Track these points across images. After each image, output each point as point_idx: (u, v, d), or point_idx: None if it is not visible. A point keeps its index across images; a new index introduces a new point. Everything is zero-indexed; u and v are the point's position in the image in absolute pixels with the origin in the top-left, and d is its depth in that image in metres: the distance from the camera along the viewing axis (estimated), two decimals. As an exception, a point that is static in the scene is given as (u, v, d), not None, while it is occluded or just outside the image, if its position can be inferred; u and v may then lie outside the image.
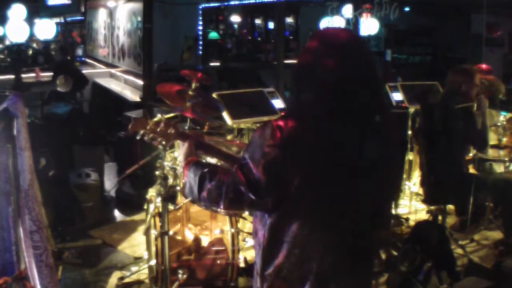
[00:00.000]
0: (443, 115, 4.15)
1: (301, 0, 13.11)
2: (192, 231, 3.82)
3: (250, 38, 16.49)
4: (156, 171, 3.41)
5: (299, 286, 1.72)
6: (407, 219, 4.80)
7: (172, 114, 4.38)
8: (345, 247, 1.73)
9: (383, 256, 3.84)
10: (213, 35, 14.03)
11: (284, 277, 1.73)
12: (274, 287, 1.75)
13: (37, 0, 12.60)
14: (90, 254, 4.20)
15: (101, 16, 12.87)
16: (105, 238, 4.63)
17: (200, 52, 11.69)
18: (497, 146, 4.57)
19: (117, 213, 5.39)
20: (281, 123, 1.66)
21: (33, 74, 9.30)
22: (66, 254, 4.12)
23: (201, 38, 11.74)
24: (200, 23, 11.73)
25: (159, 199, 3.47)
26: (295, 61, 1.80)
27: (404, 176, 5.36)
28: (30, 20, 8.45)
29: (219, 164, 2.66)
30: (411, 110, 5.37)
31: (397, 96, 5.44)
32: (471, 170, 4.47)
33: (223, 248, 3.61)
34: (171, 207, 3.34)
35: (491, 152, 4.44)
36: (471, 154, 4.42)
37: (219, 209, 2.39)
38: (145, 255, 3.97)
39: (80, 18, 15.16)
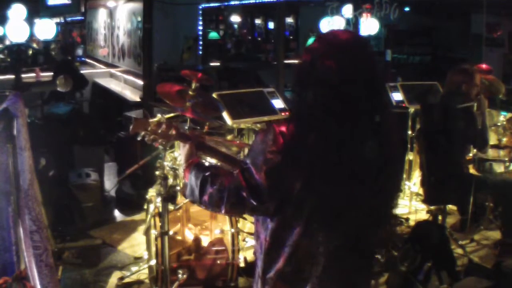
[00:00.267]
0: (443, 115, 4.15)
1: (301, 0, 13.10)
2: (192, 231, 3.82)
3: (250, 38, 16.50)
4: (156, 171, 3.41)
5: None
6: (407, 219, 4.80)
7: (172, 114, 4.37)
8: (346, 249, 1.73)
9: (383, 256, 3.84)
10: (213, 35, 14.04)
11: (286, 280, 1.73)
12: None
13: (37, 0, 12.60)
14: (90, 254, 4.21)
15: (101, 16, 12.87)
16: (105, 238, 4.63)
17: (200, 52, 11.68)
18: (497, 146, 4.57)
19: (117, 213, 5.39)
20: (283, 128, 1.66)
21: (33, 74, 9.31)
22: (66, 254, 4.12)
23: (201, 38, 11.74)
24: (200, 23, 11.72)
25: (159, 199, 3.47)
26: (295, 61, 1.80)
27: (404, 176, 5.37)
28: (30, 20, 8.44)
29: (219, 165, 2.66)
30: (411, 110, 5.37)
31: (397, 96, 5.43)
32: (471, 170, 4.47)
33: (223, 248, 3.61)
34: (171, 207, 3.34)
35: (491, 152, 4.44)
36: (471, 154, 4.42)
37: (219, 212, 2.39)
38: (145, 255, 3.97)
39: (80, 18, 15.18)
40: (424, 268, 3.54)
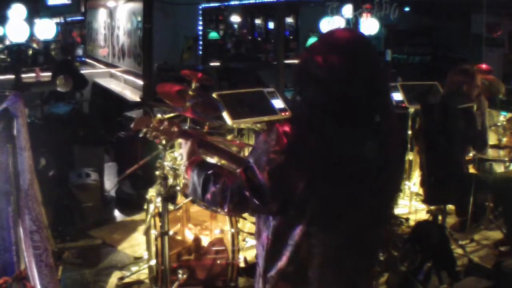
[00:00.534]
0: (443, 115, 4.15)
1: (301, 0, 13.09)
2: (192, 231, 3.82)
3: (250, 38, 16.49)
4: (156, 171, 3.41)
5: None
6: (407, 219, 4.80)
7: (172, 114, 4.37)
8: (347, 249, 1.73)
9: (383, 256, 3.84)
10: (213, 35, 14.02)
11: (288, 279, 1.73)
12: None
13: (37, 0, 12.60)
14: (90, 254, 4.21)
15: (101, 16, 12.87)
16: (105, 238, 4.63)
17: (200, 52, 11.67)
18: (497, 146, 4.57)
19: (117, 213, 5.39)
20: (286, 128, 1.65)
21: (33, 74, 9.30)
22: (66, 254, 4.12)
23: (201, 38, 11.73)
24: (200, 23, 11.70)
25: (159, 199, 3.47)
26: (295, 61, 1.80)
27: (404, 176, 5.37)
28: (30, 20, 8.45)
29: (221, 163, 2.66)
30: (411, 110, 5.37)
31: (397, 96, 5.43)
32: (471, 170, 4.47)
33: (223, 248, 3.61)
34: (171, 207, 3.34)
35: (491, 152, 4.44)
36: (471, 154, 4.42)
37: (222, 211, 2.39)
38: (145, 255, 3.97)
39: (80, 18, 15.16)
40: (424, 268, 3.54)
